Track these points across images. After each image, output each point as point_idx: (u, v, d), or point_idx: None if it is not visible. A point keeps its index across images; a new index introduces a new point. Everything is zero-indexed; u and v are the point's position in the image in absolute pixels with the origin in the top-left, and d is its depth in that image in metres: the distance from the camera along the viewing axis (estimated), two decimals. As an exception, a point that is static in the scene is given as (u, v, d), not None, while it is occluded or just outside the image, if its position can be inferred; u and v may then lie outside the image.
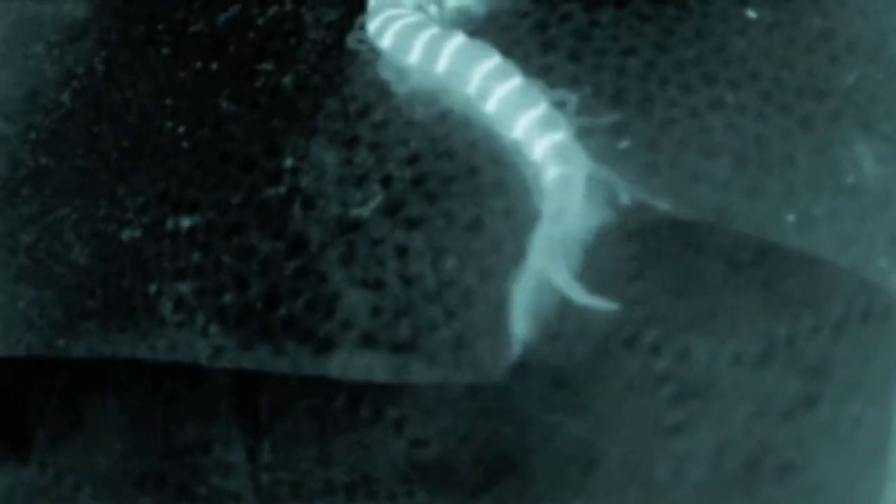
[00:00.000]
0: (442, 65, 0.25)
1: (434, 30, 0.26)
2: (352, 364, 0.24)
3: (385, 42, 0.26)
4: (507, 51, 0.27)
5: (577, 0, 0.28)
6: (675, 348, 0.24)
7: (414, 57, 0.26)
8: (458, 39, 0.26)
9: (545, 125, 0.24)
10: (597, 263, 0.23)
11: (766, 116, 0.26)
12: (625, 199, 0.24)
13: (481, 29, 0.28)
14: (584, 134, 0.25)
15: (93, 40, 0.33)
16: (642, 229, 0.24)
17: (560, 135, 0.24)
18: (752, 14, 0.29)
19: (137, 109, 0.30)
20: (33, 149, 0.32)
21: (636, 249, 0.24)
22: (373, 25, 0.27)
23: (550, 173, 0.23)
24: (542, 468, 0.23)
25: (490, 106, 0.25)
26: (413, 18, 0.27)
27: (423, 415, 0.22)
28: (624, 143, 0.26)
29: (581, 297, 0.22)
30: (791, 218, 0.25)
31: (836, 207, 0.25)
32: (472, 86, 0.25)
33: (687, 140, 0.26)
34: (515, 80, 0.25)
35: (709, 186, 0.25)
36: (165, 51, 0.31)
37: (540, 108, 0.24)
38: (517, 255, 0.24)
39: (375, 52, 0.26)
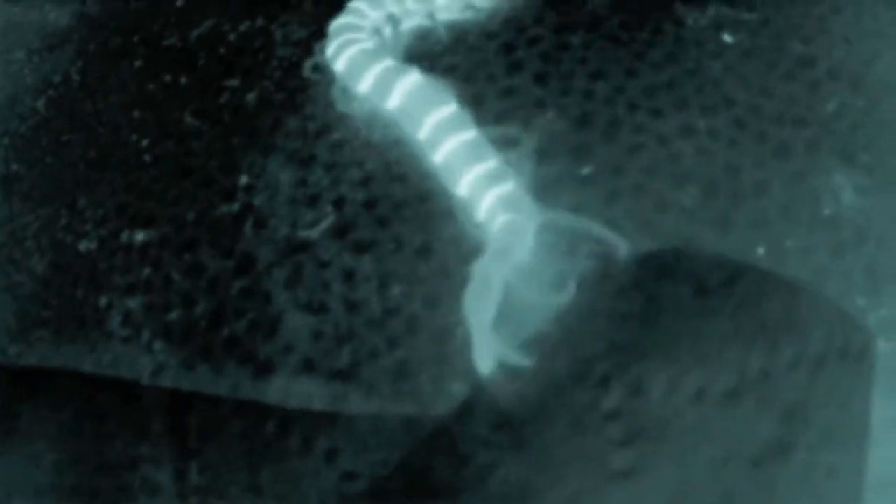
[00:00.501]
0: (394, 102, 0.25)
1: (388, 62, 0.26)
2: (290, 390, 0.23)
3: (339, 67, 0.26)
4: (472, 72, 0.27)
5: (547, 23, 0.28)
6: (628, 381, 0.23)
7: (365, 87, 0.25)
8: (413, 77, 0.25)
9: (493, 179, 0.23)
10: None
11: (739, 143, 0.25)
12: (584, 248, 0.23)
13: (447, 49, 0.27)
14: (542, 157, 0.25)
15: (71, 50, 0.33)
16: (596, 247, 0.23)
17: (509, 186, 0.23)
18: (728, 38, 0.28)
19: (107, 121, 0.30)
20: (6, 154, 0.32)
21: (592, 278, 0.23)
22: (330, 49, 0.27)
23: (497, 222, 0.23)
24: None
25: (438, 157, 0.24)
26: (369, 45, 0.26)
27: (355, 446, 0.22)
28: (586, 169, 0.25)
29: (493, 349, 0.21)
30: (762, 250, 0.24)
31: (811, 240, 0.24)
32: (423, 132, 0.24)
33: (654, 167, 0.25)
34: (467, 133, 0.24)
35: (675, 215, 0.24)
36: (138, 63, 0.31)
37: (489, 163, 0.24)
38: (465, 284, 0.23)
39: (331, 76, 0.26)
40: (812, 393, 0.24)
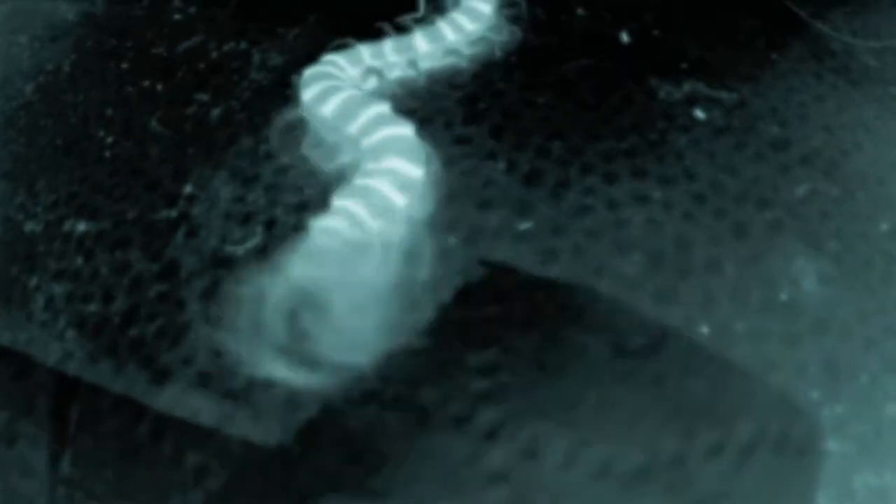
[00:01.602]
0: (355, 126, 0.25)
1: (377, 108, 0.26)
2: (181, 401, 0.23)
3: (327, 110, 0.26)
4: (430, 117, 0.27)
5: (515, 80, 0.28)
6: (520, 439, 0.20)
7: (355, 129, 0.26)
8: (406, 129, 0.26)
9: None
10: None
11: (694, 218, 0.25)
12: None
13: (412, 93, 0.28)
14: (483, 207, 0.25)
15: (70, 43, 0.34)
16: (508, 284, 0.23)
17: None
18: (700, 115, 0.28)
19: (81, 113, 0.31)
20: (-12, 131, 0.33)
21: (495, 309, 0.23)
22: (311, 92, 0.27)
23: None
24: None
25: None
26: (357, 92, 0.27)
27: (225, 468, 0.21)
28: (525, 225, 0.24)
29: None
30: (706, 329, 0.23)
31: (761, 325, 0.23)
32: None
33: (598, 230, 0.24)
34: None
35: (614, 283, 0.23)
36: (125, 65, 0.32)
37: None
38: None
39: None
40: (736, 484, 0.21)
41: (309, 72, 0.28)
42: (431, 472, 0.21)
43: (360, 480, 0.20)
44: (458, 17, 0.30)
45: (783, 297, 0.23)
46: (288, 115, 0.27)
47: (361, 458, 0.20)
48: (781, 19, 0.31)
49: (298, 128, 0.26)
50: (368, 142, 0.25)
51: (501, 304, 0.23)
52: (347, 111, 0.26)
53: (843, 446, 0.22)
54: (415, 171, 0.25)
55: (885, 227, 0.25)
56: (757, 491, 0.21)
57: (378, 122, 0.25)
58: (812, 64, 0.30)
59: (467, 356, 0.22)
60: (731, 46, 0.31)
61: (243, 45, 0.31)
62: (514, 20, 0.30)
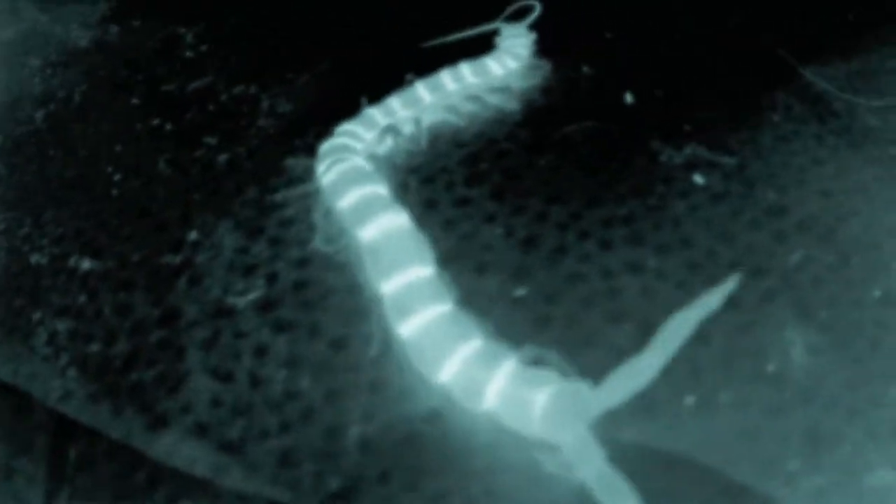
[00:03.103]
0: (369, 234, 0.25)
1: (371, 189, 0.26)
2: (177, 450, 0.23)
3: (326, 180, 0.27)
4: (432, 177, 0.28)
5: (519, 140, 0.29)
6: None
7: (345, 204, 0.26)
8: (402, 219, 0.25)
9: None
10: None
11: (687, 287, 0.25)
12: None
13: (418, 151, 0.28)
14: (478, 272, 0.25)
15: (82, 71, 0.35)
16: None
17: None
18: (699, 180, 0.28)
19: (91, 147, 0.32)
20: (1, 148, 0.33)
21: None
22: (322, 165, 0.27)
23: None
24: None
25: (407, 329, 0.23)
26: (360, 163, 0.27)
27: (217, 521, 0.22)
28: (520, 291, 0.25)
29: None
30: (690, 400, 0.23)
31: (746, 395, 0.23)
32: (391, 286, 0.24)
33: (591, 299, 0.25)
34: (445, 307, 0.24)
35: (604, 352, 0.24)
36: (135, 100, 0.33)
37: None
38: (371, 385, 0.24)
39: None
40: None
41: (326, 145, 0.28)
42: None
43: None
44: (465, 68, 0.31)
45: (771, 367, 0.24)
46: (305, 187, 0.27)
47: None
48: (785, 79, 0.32)
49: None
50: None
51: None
52: (340, 188, 0.26)
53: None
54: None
55: (877, 293, 0.25)
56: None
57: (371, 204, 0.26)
58: (814, 125, 0.30)
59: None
60: (734, 107, 0.31)
61: (253, 88, 0.31)
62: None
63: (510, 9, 0.34)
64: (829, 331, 0.24)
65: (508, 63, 0.31)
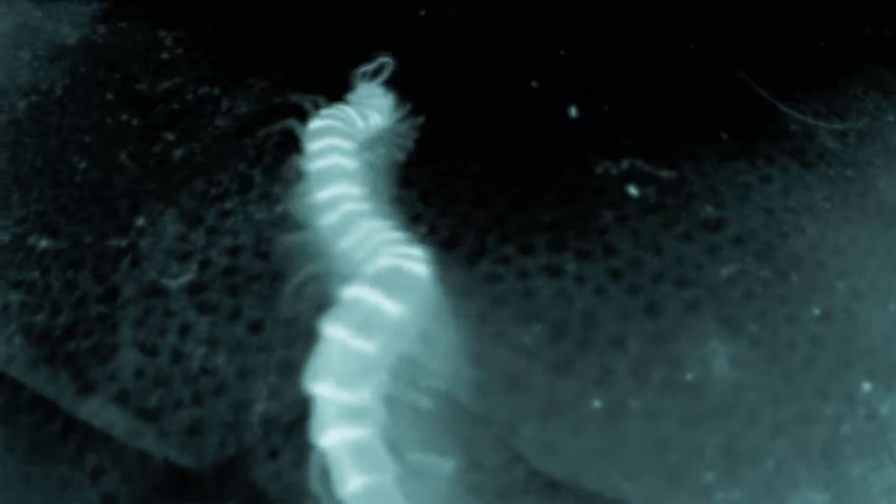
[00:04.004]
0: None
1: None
2: (99, 413, 0.25)
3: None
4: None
5: (457, 152, 0.30)
6: None
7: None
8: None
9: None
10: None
11: (605, 292, 0.25)
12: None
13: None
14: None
15: (66, 66, 0.37)
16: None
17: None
18: (633, 192, 0.28)
19: (63, 137, 0.34)
20: (-23, 139, 0.36)
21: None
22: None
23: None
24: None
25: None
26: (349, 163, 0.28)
27: (120, 474, 0.24)
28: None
29: None
30: (598, 404, 0.23)
31: (658, 405, 0.23)
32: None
33: (505, 298, 0.25)
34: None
35: (509, 351, 0.24)
36: (109, 96, 0.35)
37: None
38: (283, 368, 0.25)
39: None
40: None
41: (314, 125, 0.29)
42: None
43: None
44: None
45: (689, 377, 0.24)
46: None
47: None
48: (742, 100, 0.32)
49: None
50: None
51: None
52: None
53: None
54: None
55: (816, 311, 0.25)
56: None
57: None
58: (764, 145, 0.30)
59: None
60: (681, 125, 0.31)
61: (216, 90, 0.33)
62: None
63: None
64: (758, 345, 0.24)
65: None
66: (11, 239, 0.31)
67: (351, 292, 0.24)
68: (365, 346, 0.23)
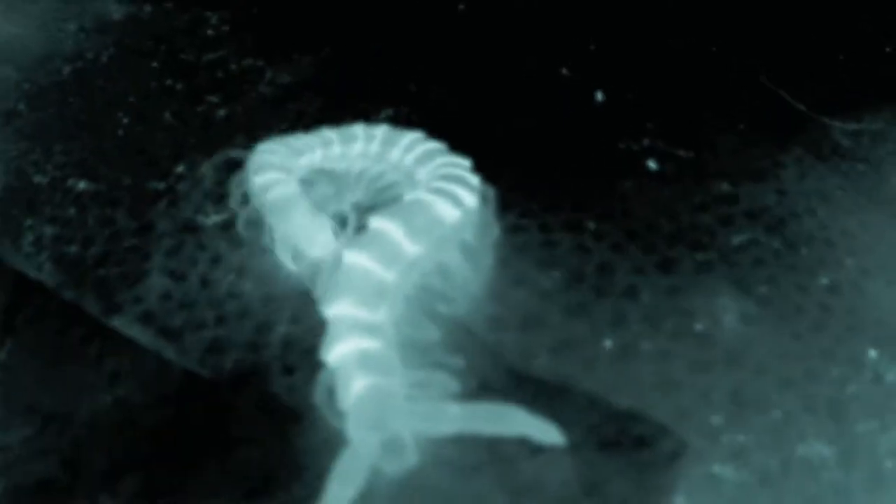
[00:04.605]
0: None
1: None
2: (124, 329, 0.26)
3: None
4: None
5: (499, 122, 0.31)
6: None
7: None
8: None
9: None
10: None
11: (622, 249, 0.27)
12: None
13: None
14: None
15: (112, 38, 0.39)
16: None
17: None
18: (652, 165, 0.30)
19: (107, 97, 0.35)
20: (16, 96, 0.37)
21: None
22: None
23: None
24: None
25: None
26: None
27: (136, 379, 0.24)
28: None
29: None
30: (609, 344, 0.24)
31: (669, 349, 0.24)
32: None
33: (528, 247, 0.27)
34: None
35: (530, 294, 0.26)
36: (154, 64, 0.37)
37: None
38: (302, 294, 0.26)
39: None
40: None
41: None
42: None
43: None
44: None
45: (699, 327, 0.25)
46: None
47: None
48: (761, 96, 0.34)
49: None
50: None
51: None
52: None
53: (740, 475, 0.22)
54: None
55: (824, 281, 0.26)
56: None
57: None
58: (780, 136, 0.32)
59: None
60: (701, 116, 0.33)
61: (260, 62, 0.35)
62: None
63: None
64: (767, 305, 0.25)
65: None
66: (50, 181, 0.32)
67: (376, 223, 0.24)
68: (384, 273, 0.24)
